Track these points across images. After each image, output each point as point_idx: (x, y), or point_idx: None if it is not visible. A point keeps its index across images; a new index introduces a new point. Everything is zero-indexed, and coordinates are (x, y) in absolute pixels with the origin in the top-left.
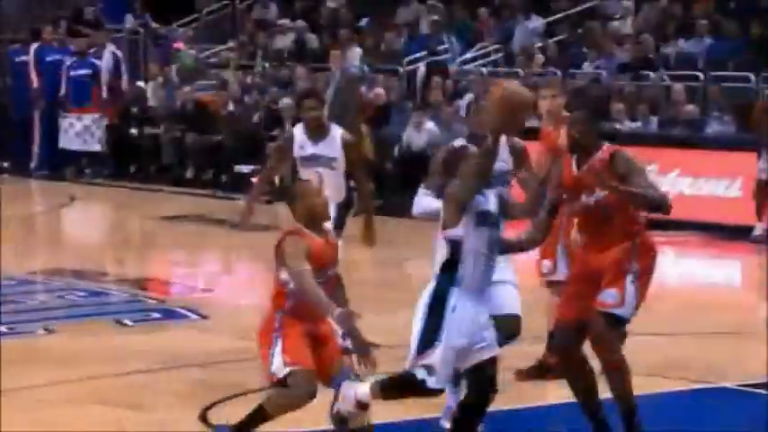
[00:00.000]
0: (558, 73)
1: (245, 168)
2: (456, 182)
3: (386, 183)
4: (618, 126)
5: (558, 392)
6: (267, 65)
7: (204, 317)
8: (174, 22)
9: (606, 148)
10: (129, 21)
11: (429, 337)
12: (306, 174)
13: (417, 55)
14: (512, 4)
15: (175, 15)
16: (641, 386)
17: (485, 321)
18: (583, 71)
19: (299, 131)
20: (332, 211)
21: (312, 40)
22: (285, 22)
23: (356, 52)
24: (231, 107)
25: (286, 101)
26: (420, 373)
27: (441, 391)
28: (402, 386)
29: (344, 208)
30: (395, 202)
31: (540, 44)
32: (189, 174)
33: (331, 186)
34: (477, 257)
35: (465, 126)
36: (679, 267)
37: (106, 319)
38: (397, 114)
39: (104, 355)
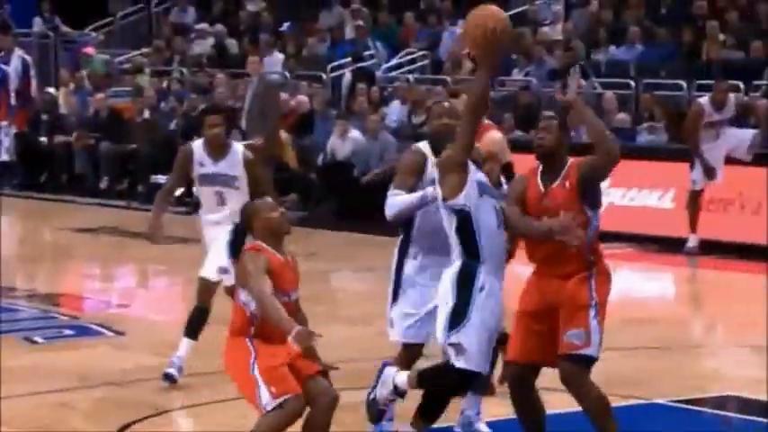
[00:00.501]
0: None
1: (161, 178)
2: (448, 149)
3: (310, 193)
4: None
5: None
6: (185, 70)
7: (120, 333)
8: (87, 26)
9: (572, 161)
10: (38, 24)
11: (457, 316)
12: (205, 193)
13: (342, 61)
14: (439, 9)
15: (88, 19)
16: (572, 403)
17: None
18: (512, 78)
19: (198, 148)
20: (231, 233)
21: (232, 45)
22: (203, 26)
23: (278, 58)
24: (147, 114)
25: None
26: (450, 354)
27: (473, 377)
28: (437, 373)
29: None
30: (319, 212)
31: (467, 50)
32: (103, 184)
33: (232, 207)
34: (491, 232)
35: (390, 135)
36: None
37: (16, 337)
38: (321, 122)
39: (14, 375)
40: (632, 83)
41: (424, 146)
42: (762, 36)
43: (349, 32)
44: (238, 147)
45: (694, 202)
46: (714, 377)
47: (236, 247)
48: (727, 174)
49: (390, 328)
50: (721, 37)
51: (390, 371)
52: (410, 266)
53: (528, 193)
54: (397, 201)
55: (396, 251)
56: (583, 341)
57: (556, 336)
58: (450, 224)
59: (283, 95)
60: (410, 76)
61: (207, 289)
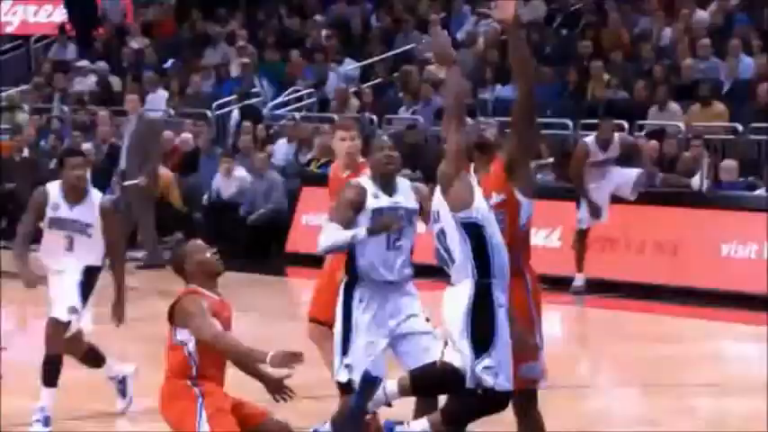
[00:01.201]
0: (374, 118)
1: None
2: (445, 160)
3: (194, 232)
4: None
5: None
6: (66, 108)
7: None
8: None
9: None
10: None
11: (483, 341)
12: (53, 237)
13: (228, 98)
14: (325, 47)
15: None
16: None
17: None
18: (399, 116)
19: (54, 190)
20: (80, 276)
21: (116, 82)
22: (85, 63)
23: (161, 95)
24: (26, 153)
25: (86, 146)
26: (484, 378)
27: (509, 396)
28: (467, 407)
29: (95, 274)
30: None
31: (354, 89)
32: None
33: (82, 254)
34: (500, 247)
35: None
36: None
37: None
38: (206, 160)
39: None
40: None
41: (364, 180)
42: (645, 76)
43: (234, 70)
44: (96, 194)
45: (581, 240)
46: (600, 416)
47: (86, 288)
48: (613, 213)
49: (342, 372)
50: (606, 77)
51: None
52: (358, 313)
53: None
54: (332, 235)
55: (341, 298)
56: (539, 375)
57: None
58: (460, 241)
59: (167, 133)
60: (297, 114)
61: (57, 331)
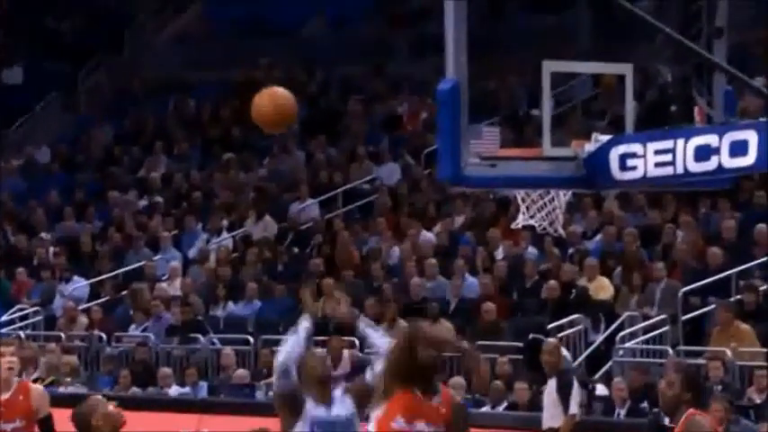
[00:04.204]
0: (103, 336)
1: None
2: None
3: None
4: (166, 391)
5: None
6: None
7: None
8: None
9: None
10: None
11: None
12: None
13: None
14: (53, 265)
15: None
16: None
17: None
18: (129, 334)
19: None
20: None
21: None
22: None
23: None
24: None
25: None
26: None
27: None
28: None
29: None
30: None
31: (83, 306)
32: None
33: None
34: None
35: None
36: None
37: None
38: None
39: None
40: (251, 338)
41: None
42: (375, 292)
43: None
44: None
45: None
46: None
47: None
48: None
49: None
50: (337, 294)
51: None
52: None
53: None
54: None
55: None
56: None
57: None
58: None
59: None
60: (22, 333)
61: None
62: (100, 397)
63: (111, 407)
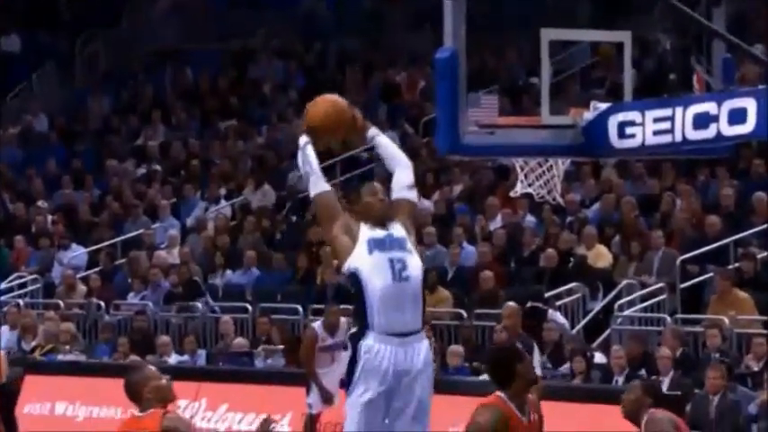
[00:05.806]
0: (102, 304)
1: None
2: None
3: None
4: (165, 359)
5: None
6: None
7: None
8: None
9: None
10: None
11: None
12: None
13: None
14: (51, 233)
15: None
16: None
17: None
18: (128, 302)
19: None
20: None
21: None
22: None
23: None
24: None
25: None
26: None
27: None
28: None
29: None
30: None
31: (81, 274)
32: None
33: None
34: None
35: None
36: None
37: None
38: None
39: None
40: (249, 306)
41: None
42: None
43: None
44: None
45: (311, 426)
46: None
47: None
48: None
49: None
50: (335, 262)
51: None
52: None
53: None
54: None
55: None
56: None
57: None
58: None
59: None
60: (21, 301)
61: None
62: (153, 368)
63: (163, 380)
